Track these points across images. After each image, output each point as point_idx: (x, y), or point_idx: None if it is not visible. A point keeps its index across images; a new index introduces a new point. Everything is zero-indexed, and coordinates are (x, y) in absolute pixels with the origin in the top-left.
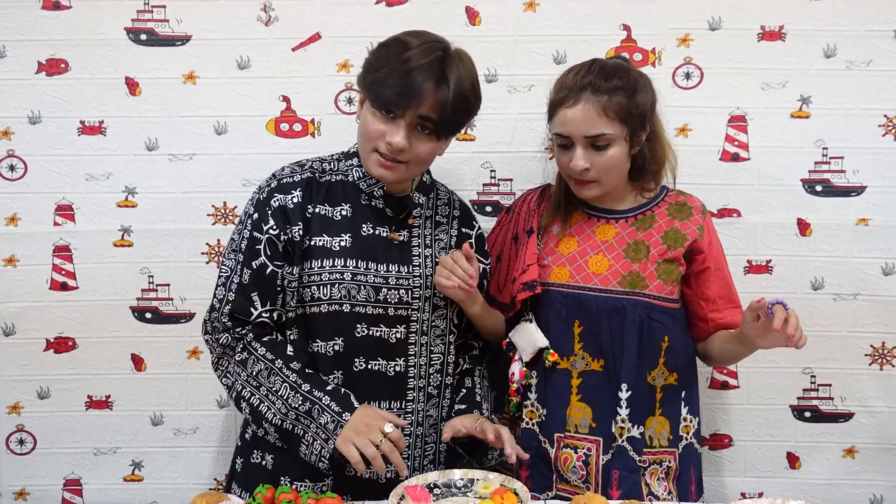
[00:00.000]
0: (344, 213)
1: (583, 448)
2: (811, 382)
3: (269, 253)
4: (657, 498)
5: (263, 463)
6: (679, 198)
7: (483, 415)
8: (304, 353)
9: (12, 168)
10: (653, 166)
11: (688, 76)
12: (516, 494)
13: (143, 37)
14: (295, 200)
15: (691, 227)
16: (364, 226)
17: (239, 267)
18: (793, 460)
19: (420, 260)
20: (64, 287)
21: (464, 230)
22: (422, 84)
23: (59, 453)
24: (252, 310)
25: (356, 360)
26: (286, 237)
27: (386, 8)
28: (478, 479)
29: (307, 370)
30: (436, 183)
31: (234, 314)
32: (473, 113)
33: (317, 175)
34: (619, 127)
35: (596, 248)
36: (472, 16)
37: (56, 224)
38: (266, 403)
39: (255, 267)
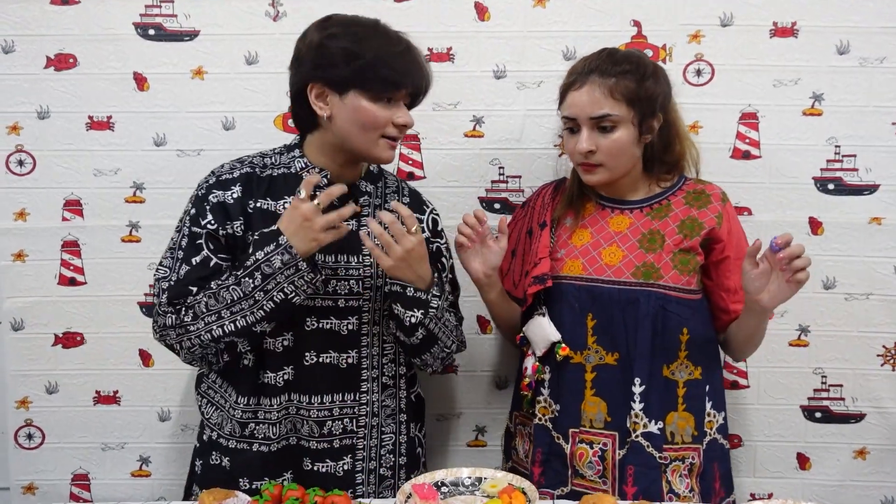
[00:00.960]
0: (287, 205)
1: (598, 443)
2: (822, 383)
3: (211, 247)
4: (677, 496)
5: (222, 464)
6: (697, 186)
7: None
8: (256, 350)
9: (21, 163)
10: (667, 157)
11: (699, 73)
12: (524, 493)
13: (152, 32)
14: (234, 196)
15: (709, 214)
16: None
17: (177, 265)
18: (803, 461)
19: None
20: (72, 282)
21: (415, 216)
22: (416, 61)
23: (67, 448)
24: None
25: (307, 354)
26: (224, 232)
27: (394, 3)
28: (486, 478)
29: (232, 270)
30: (384, 171)
31: (172, 300)
32: None
33: (257, 170)
34: (625, 109)
35: (609, 240)
36: (481, 11)
37: (64, 219)
38: (240, 315)
39: (195, 263)
